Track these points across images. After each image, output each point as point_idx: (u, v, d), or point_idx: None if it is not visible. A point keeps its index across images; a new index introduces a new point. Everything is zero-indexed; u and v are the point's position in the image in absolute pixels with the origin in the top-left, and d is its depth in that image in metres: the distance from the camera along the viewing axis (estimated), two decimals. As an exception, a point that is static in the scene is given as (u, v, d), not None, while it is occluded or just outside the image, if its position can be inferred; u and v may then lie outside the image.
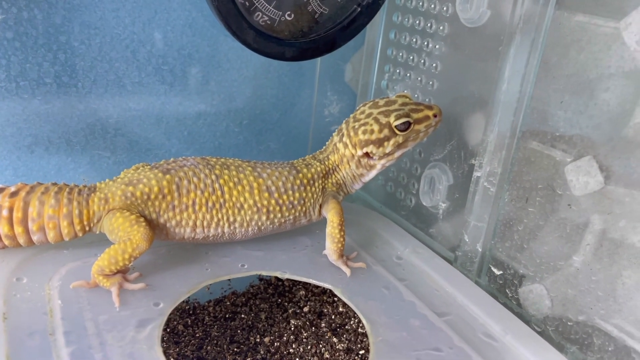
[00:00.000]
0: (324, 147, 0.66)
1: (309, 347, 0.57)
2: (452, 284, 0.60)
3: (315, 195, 0.62)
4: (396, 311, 0.55)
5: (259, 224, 0.59)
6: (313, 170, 0.62)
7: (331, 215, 0.61)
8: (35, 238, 0.53)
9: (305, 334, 0.59)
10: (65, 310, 0.49)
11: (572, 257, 0.55)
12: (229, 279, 0.60)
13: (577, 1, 0.54)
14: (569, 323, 0.56)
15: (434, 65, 0.69)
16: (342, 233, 0.61)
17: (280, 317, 0.63)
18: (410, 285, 0.60)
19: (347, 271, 0.60)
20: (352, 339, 0.59)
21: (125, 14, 0.66)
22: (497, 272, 0.63)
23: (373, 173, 0.63)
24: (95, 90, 0.68)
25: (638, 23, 0.48)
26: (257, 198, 0.58)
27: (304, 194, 0.61)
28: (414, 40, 0.72)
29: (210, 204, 0.57)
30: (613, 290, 0.52)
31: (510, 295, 0.62)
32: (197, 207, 0.56)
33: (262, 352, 0.56)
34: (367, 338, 0.53)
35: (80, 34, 0.65)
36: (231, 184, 0.58)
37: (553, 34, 0.55)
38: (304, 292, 0.67)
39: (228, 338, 0.59)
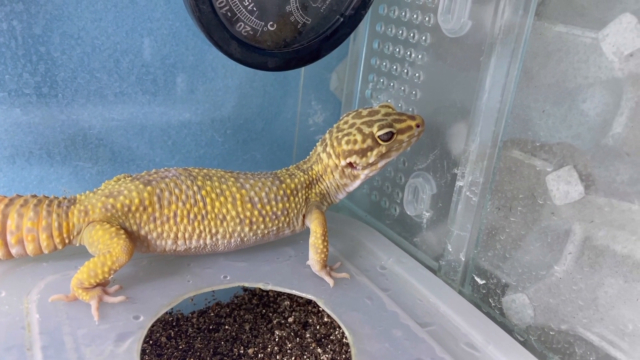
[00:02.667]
0: (307, 157, 0.65)
1: (293, 358, 0.57)
2: (436, 294, 0.60)
3: (298, 206, 0.62)
4: (379, 322, 0.55)
5: (242, 235, 0.59)
6: (296, 180, 0.62)
7: (314, 225, 0.61)
8: (14, 251, 0.52)
9: (289, 345, 0.59)
10: (43, 325, 0.48)
11: (554, 266, 0.55)
12: (213, 290, 0.60)
13: (557, 12, 0.54)
14: (551, 332, 0.56)
15: (416, 75, 0.70)
16: (326, 243, 0.60)
17: (265, 328, 0.62)
18: (393, 296, 0.59)
19: (331, 282, 0.60)
20: (337, 349, 0.59)
21: (107, 24, 0.66)
22: (480, 281, 0.63)
23: (357, 183, 0.63)
24: (77, 100, 0.68)
25: (615, 34, 0.48)
26: (239, 209, 0.58)
27: (287, 205, 0.61)
28: (397, 50, 0.72)
29: (192, 215, 0.56)
30: (595, 299, 0.52)
31: (493, 304, 0.62)
32: (178, 219, 0.56)
33: (244, 364, 0.56)
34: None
35: (60, 44, 0.64)
36: (213, 195, 0.57)
37: (533, 44, 0.56)
38: (288, 303, 0.67)
39: (211, 350, 0.59)
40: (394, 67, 0.73)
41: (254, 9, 0.60)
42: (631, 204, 0.49)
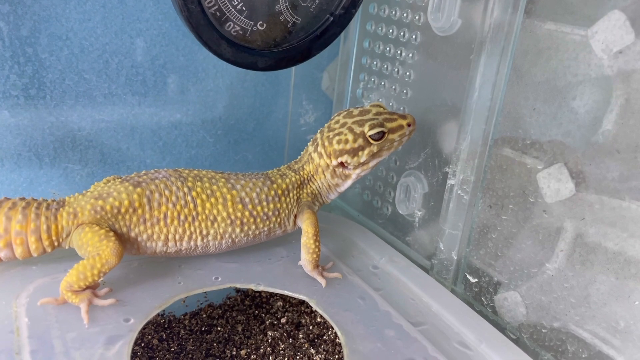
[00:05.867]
0: (299, 157, 0.65)
1: (286, 358, 0.57)
2: (428, 293, 0.60)
3: (289, 206, 0.61)
4: (371, 321, 0.55)
5: (233, 236, 0.59)
6: (288, 180, 0.62)
7: (306, 225, 0.61)
8: (2, 254, 0.52)
9: (282, 346, 0.59)
10: (32, 329, 0.48)
11: (546, 264, 0.55)
12: (205, 292, 0.60)
13: (546, 9, 0.54)
14: (543, 330, 0.56)
15: (407, 73, 0.70)
16: (317, 243, 0.60)
17: (257, 329, 0.62)
18: (385, 295, 0.59)
19: (323, 282, 0.60)
20: (330, 349, 0.58)
21: (96, 25, 0.66)
22: (473, 279, 0.63)
23: (348, 183, 0.63)
24: (65, 102, 0.67)
25: (604, 31, 0.48)
26: (230, 210, 0.58)
27: (279, 205, 0.60)
28: (388, 49, 0.72)
29: (182, 217, 0.56)
30: (587, 296, 0.52)
31: (485, 303, 0.62)
32: (168, 221, 0.56)
33: (237, 365, 0.56)
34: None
35: (48, 45, 0.64)
36: (204, 196, 0.57)
37: (523, 42, 0.56)
38: (281, 303, 0.66)
39: (204, 352, 0.58)
40: (385, 66, 0.73)
41: (243, 8, 0.59)
42: (622, 200, 0.49)
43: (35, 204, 0.53)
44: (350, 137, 0.59)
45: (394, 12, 0.70)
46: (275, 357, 0.57)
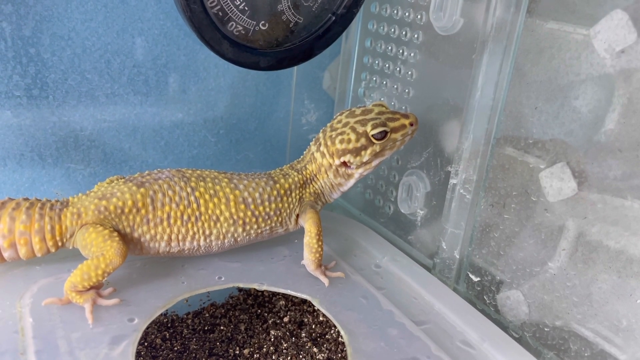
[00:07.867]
0: (301, 157, 0.65)
1: (288, 357, 0.57)
2: (430, 292, 0.60)
3: (291, 206, 0.61)
4: (374, 321, 0.55)
5: (235, 235, 0.59)
6: (290, 180, 0.62)
7: (309, 225, 0.61)
8: (6, 255, 0.52)
9: (285, 345, 0.59)
10: (36, 329, 0.48)
11: (548, 263, 0.55)
12: (208, 291, 0.60)
13: (549, 9, 0.54)
14: (545, 329, 0.56)
15: (409, 73, 0.70)
16: (320, 243, 0.60)
17: (260, 328, 0.62)
18: (388, 294, 0.59)
19: (325, 281, 0.60)
20: (333, 348, 0.59)
21: (98, 25, 0.66)
22: (475, 278, 0.63)
23: (351, 182, 0.63)
24: (68, 102, 0.67)
25: (607, 31, 0.48)
26: (233, 210, 0.58)
27: (280, 205, 0.61)
28: (390, 48, 0.72)
29: (185, 217, 0.56)
30: (589, 295, 0.52)
31: (488, 301, 0.62)
32: (172, 221, 0.56)
33: (240, 365, 0.56)
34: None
35: (50, 45, 0.64)
36: (207, 197, 0.57)
37: (525, 41, 0.56)
38: (284, 302, 0.66)
39: (207, 351, 0.58)
40: (387, 65, 0.73)
41: (246, 8, 0.60)
42: (624, 199, 0.49)
43: (39, 204, 0.53)
44: (352, 136, 0.59)
45: (395, 11, 0.70)
46: (278, 356, 0.57)
